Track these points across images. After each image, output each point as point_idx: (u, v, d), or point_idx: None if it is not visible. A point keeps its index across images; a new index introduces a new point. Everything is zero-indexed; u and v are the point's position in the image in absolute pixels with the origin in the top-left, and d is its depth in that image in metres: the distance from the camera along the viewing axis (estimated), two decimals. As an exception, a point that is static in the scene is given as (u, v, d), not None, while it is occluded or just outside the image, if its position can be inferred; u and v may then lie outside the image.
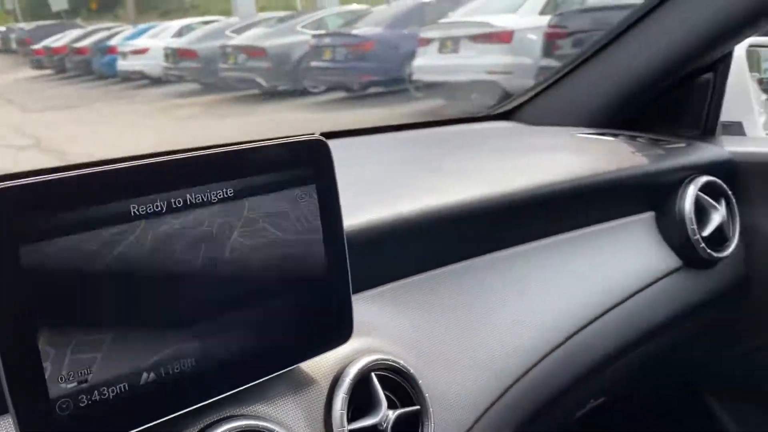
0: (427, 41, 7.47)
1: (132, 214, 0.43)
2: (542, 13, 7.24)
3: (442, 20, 8.01)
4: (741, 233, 0.91)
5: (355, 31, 8.21)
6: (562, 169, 0.80)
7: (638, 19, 0.94)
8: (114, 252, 0.42)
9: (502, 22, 7.19)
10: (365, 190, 0.64)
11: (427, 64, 7.35)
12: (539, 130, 1.04)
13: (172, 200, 0.44)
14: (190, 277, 0.45)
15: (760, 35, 1.00)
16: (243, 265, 0.48)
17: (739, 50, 1.02)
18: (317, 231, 0.51)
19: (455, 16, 8.19)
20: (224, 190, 0.46)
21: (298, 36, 8.47)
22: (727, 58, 0.97)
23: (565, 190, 0.78)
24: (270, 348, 0.50)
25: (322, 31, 8.69)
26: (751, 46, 1.06)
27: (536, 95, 1.10)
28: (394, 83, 7.69)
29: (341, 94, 7.88)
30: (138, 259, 0.43)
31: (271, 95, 8.05)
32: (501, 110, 1.15)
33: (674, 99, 1.00)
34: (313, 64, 8.06)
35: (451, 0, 9.23)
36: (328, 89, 7.98)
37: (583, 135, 0.98)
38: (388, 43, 7.87)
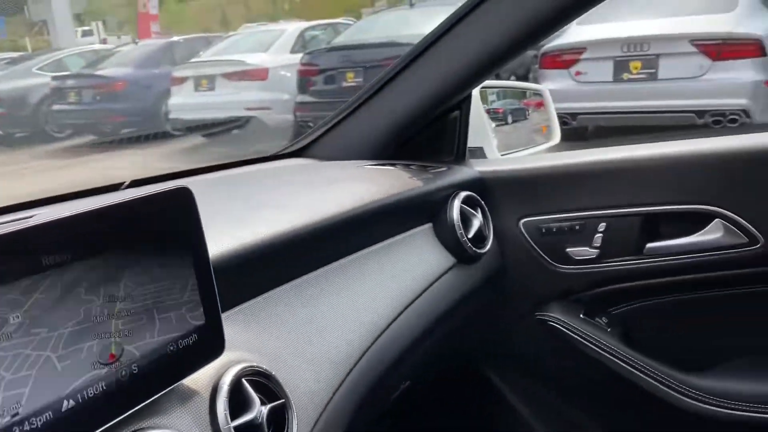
0: (182, 80, 7.41)
1: (44, 264, 0.50)
2: (293, 51, 7.63)
3: (194, 59, 7.99)
4: (494, 233, 1.17)
5: (101, 72, 7.83)
6: (358, 195, 0.98)
7: (403, 67, 1.16)
8: (32, 298, 0.49)
9: (255, 60, 7.42)
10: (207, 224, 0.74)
11: (183, 102, 7.28)
12: (330, 164, 1.22)
13: (76, 251, 0.52)
14: (95, 314, 0.53)
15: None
16: (132, 301, 0.56)
17: (474, 91, 1.29)
18: (189, 266, 0.61)
19: (206, 55, 8.23)
20: (114, 240, 0.55)
21: (35, 78, 7.82)
22: (469, 98, 1.24)
23: (362, 213, 0.95)
24: (161, 368, 0.58)
25: (66, 72, 8.12)
26: (482, 87, 1.35)
27: (323, 134, 1.28)
28: (150, 123, 7.47)
29: (90, 137, 7.43)
30: (52, 302, 0.50)
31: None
32: (293, 149, 1.31)
33: (434, 132, 1.25)
34: (56, 107, 7.51)
35: (199, 40, 9.23)
36: (74, 133, 7.47)
37: (368, 166, 1.18)
38: (140, 82, 7.63)
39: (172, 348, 0.59)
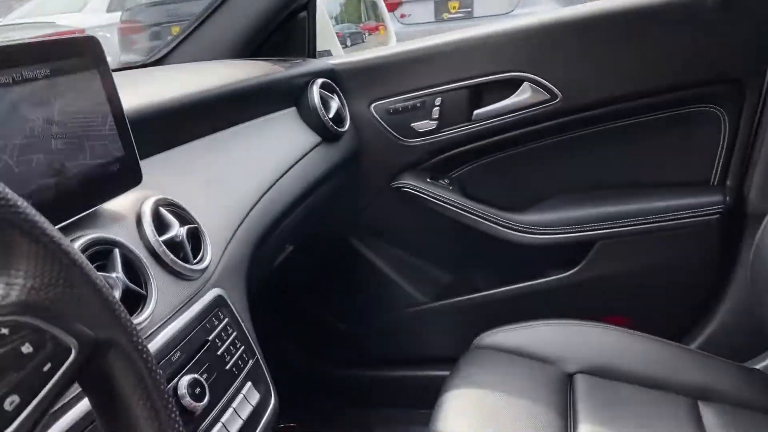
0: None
1: (-9, 83, 0.58)
2: (110, 10, 7.21)
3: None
4: (350, 118, 1.35)
5: None
6: (228, 77, 1.10)
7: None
8: (-13, 110, 0.58)
9: (68, 21, 6.93)
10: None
11: None
12: (194, 63, 1.31)
13: (14, 75, 0.61)
14: (38, 132, 0.63)
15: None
16: (66, 126, 0.66)
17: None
18: (105, 102, 0.72)
19: (9, 18, 7.53)
20: (44, 70, 0.64)
21: None
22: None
23: (234, 89, 1.08)
24: (94, 186, 0.69)
25: None
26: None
27: (180, 43, 1.36)
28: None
29: None
30: (2, 117, 0.59)
31: None
32: (153, 59, 1.38)
33: (285, 33, 1.38)
34: None
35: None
36: None
37: (230, 61, 1.29)
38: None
39: (100, 171, 0.70)
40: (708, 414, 1.10)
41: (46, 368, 0.35)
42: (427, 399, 1.55)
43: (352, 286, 1.55)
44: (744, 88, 1.22)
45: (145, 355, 0.40)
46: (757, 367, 1.26)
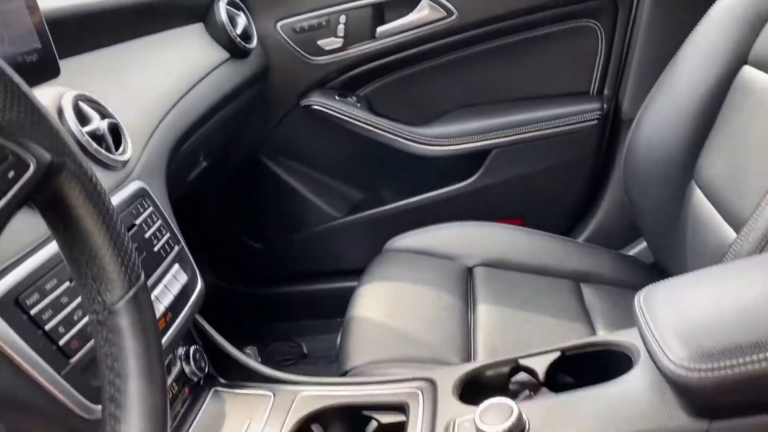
0: None
1: None
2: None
3: None
4: (258, 38, 1.38)
5: None
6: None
7: None
8: None
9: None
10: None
11: None
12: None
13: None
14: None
15: None
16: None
17: None
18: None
19: None
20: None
21: None
22: None
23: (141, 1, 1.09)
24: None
25: None
26: None
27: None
28: None
29: None
30: None
31: None
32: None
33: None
34: None
35: None
36: None
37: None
38: None
39: (18, 60, 0.73)
40: (588, 292, 1.25)
41: (10, 175, 0.40)
42: (343, 308, 1.64)
43: (266, 205, 1.61)
44: (617, 4, 1.35)
45: (94, 181, 0.46)
46: (630, 253, 1.43)
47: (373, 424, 0.82)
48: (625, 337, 0.77)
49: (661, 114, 1.21)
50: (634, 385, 0.68)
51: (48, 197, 0.44)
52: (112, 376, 0.42)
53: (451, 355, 1.05)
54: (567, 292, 1.25)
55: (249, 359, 0.93)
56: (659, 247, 1.28)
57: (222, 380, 0.92)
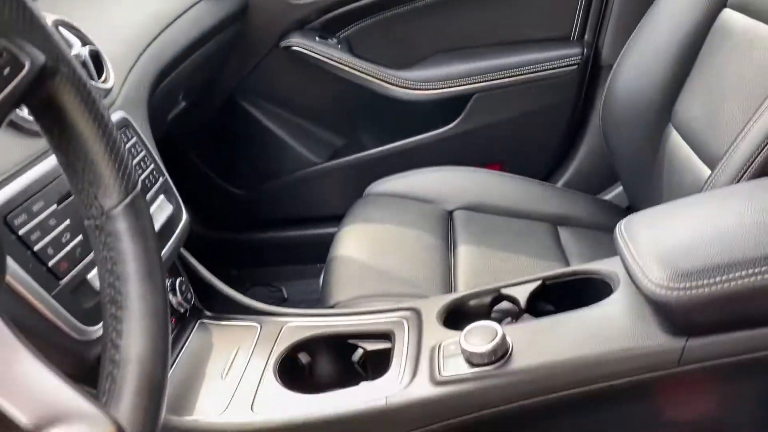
0: None
1: None
2: None
3: None
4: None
5: None
6: None
7: None
8: None
9: None
10: None
11: None
12: None
13: None
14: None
15: None
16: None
17: None
18: None
19: None
20: None
21: None
22: None
23: None
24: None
25: None
26: None
27: None
28: None
29: None
30: None
31: None
32: None
33: None
34: None
35: None
36: None
37: None
38: None
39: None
40: (565, 235, 1.28)
41: (5, 72, 0.40)
42: (323, 254, 1.65)
43: (245, 151, 1.60)
44: (599, -54, 1.35)
45: (89, 87, 0.45)
46: (607, 197, 1.46)
47: (359, 351, 0.83)
48: (605, 266, 0.79)
49: (640, 58, 1.23)
50: (613, 308, 0.70)
51: (43, 99, 0.43)
52: (111, 279, 0.42)
53: (432, 291, 1.07)
54: (544, 234, 1.27)
55: (235, 292, 0.94)
56: (635, 190, 1.31)
57: (208, 312, 0.92)
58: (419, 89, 1.44)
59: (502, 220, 1.31)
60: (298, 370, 0.84)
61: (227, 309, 0.93)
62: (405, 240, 1.22)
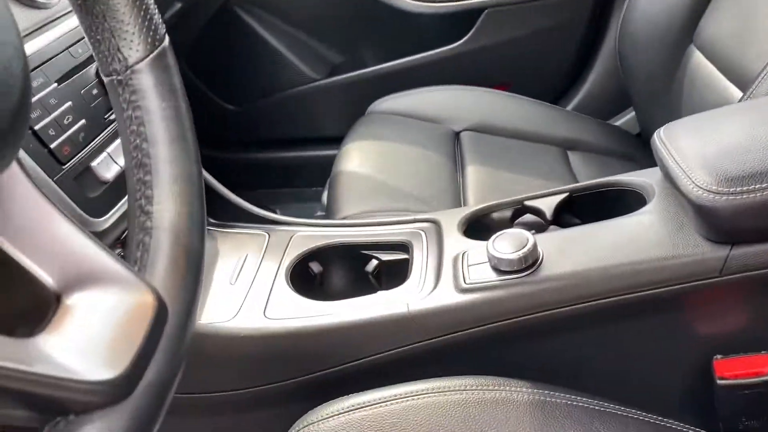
0: None
1: None
2: None
3: None
4: None
5: None
6: None
7: None
8: None
9: None
10: None
11: None
12: None
13: None
14: None
15: None
16: None
17: None
18: None
19: None
20: None
21: None
22: None
23: None
24: None
25: None
26: None
27: None
28: None
29: None
30: None
31: None
32: None
33: None
34: None
35: None
36: None
37: None
38: None
39: None
40: (575, 159, 1.24)
41: None
42: (321, 177, 1.60)
43: (239, 63, 1.52)
44: None
45: None
46: (617, 123, 1.42)
47: (374, 262, 0.80)
48: (636, 177, 0.75)
49: (665, -25, 1.17)
50: (650, 217, 0.67)
51: None
52: (138, 141, 0.37)
53: (443, 207, 1.03)
54: (554, 158, 1.23)
55: (240, 199, 0.89)
56: (649, 114, 1.27)
57: (211, 220, 0.87)
58: (426, 0, 1.37)
59: (511, 142, 1.26)
60: (309, 279, 0.80)
61: (231, 217, 0.89)
62: (412, 157, 1.17)
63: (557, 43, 1.42)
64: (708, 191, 0.59)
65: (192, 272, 0.35)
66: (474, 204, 1.05)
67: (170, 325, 0.31)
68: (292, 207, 1.65)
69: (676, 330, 0.66)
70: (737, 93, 0.96)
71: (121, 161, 0.67)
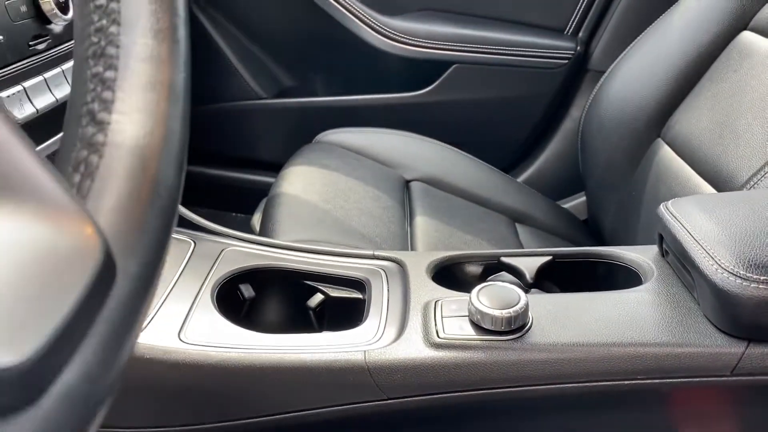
0: None
1: None
2: None
3: None
4: None
5: None
6: None
7: None
8: None
9: None
10: None
11: None
12: None
13: None
14: None
15: None
16: None
17: None
18: None
19: None
20: None
21: None
22: None
23: None
24: None
25: None
26: None
27: None
28: None
29: None
30: None
31: None
32: None
33: None
34: None
35: None
36: None
37: None
38: None
39: None
40: (523, 232, 1.18)
41: None
42: (253, 205, 1.45)
43: None
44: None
45: None
46: (566, 206, 1.38)
47: (318, 296, 0.67)
48: (628, 253, 0.68)
49: (640, 67, 1.15)
50: (652, 297, 0.59)
51: None
52: (105, 21, 0.24)
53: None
54: (503, 226, 1.16)
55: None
56: (600, 202, 1.23)
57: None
58: (397, 41, 1.30)
59: (461, 202, 1.18)
60: (236, 304, 0.66)
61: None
62: (360, 193, 1.07)
63: (519, 113, 1.38)
64: (734, 275, 0.52)
65: (160, 218, 0.22)
66: (425, 256, 0.95)
67: (116, 293, 0.18)
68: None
69: (670, 428, 0.57)
70: (709, 190, 0.92)
71: (39, 103, 0.51)
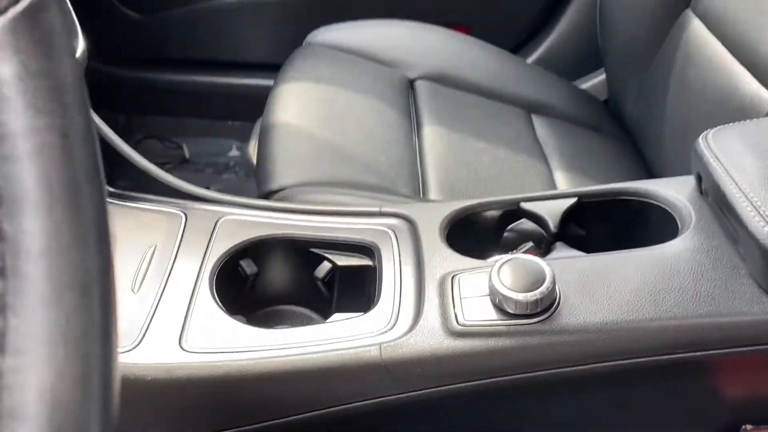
0: None
1: None
2: None
3: None
4: None
5: None
6: None
7: None
8: None
9: None
10: None
11: None
12: None
13: None
14: None
15: None
16: None
17: None
18: None
19: None
20: None
21: None
22: None
23: None
24: None
25: None
26: None
27: None
28: None
29: None
30: None
31: None
32: None
33: None
34: None
35: None
36: None
37: None
38: None
39: None
40: (539, 125, 1.09)
41: None
42: (238, 109, 1.37)
43: None
44: None
45: None
46: (583, 86, 1.28)
47: (325, 266, 0.62)
48: (663, 188, 0.61)
49: None
50: (692, 254, 0.53)
51: None
52: None
53: (400, 185, 0.86)
54: (518, 122, 1.08)
55: (148, 162, 0.67)
56: (622, 83, 1.13)
57: (110, 189, 0.65)
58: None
59: (472, 99, 1.09)
60: (238, 281, 0.62)
61: (135, 185, 0.67)
62: (361, 110, 0.98)
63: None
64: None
65: None
66: (433, 184, 0.88)
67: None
68: (201, 141, 1.41)
69: (708, 395, 0.53)
70: (751, 81, 0.82)
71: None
